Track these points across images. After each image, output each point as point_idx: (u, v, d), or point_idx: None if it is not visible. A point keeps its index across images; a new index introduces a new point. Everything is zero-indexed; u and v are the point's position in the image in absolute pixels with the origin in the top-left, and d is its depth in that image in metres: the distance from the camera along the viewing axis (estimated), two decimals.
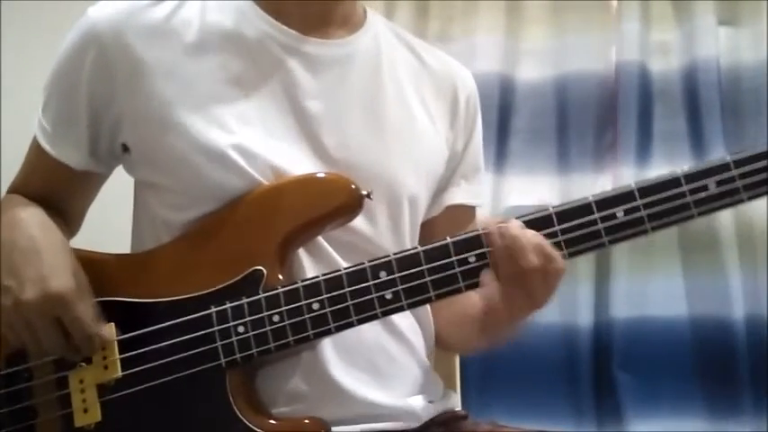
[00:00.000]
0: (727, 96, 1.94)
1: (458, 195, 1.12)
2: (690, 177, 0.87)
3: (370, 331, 0.95)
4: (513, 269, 0.88)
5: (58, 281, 0.88)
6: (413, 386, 1.01)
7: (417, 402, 1.00)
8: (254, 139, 0.95)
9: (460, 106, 1.11)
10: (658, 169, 1.94)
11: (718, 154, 1.84)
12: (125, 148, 1.00)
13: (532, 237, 0.88)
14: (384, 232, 1.00)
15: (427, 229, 1.08)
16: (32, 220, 0.96)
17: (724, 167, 0.87)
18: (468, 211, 1.14)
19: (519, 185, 1.97)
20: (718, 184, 0.87)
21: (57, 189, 1.02)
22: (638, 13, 1.97)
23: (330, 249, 0.96)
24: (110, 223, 1.05)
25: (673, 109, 1.97)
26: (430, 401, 1.02)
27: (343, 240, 0.97)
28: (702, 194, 0.87)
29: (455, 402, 1.09)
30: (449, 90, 1.11)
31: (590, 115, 2.00)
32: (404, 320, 1.00)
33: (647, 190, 0.88)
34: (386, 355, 0.98)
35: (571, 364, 1.93)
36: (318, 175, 0.96)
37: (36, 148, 1.02)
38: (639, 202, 0.88)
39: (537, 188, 1.98)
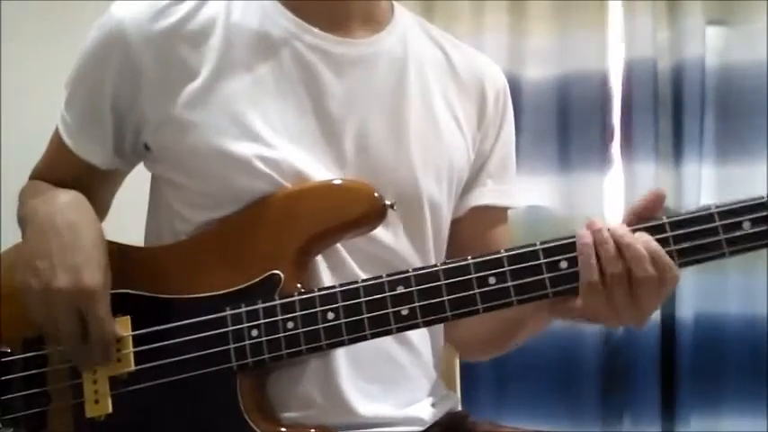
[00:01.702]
0: (719, 96, 1.92)
1: (483, 196, 1.09)
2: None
3: (380, 340, 0.93)
4: (622, 278, 0.83)
5: (90, 274, 0.88)
6: (419, 394, 1.01)
7: (423, 408, 1.00)
8: (278, 143, 0.94)
9: (489, 104, 1.09)
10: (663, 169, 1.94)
11: (695, 154, 1.88)
12: (146, 147, 0.99)
13: (648, 243, 0.84)
14: (403, 239, 0.99)
15: (454, 230, 1.07)
16: (74, 205, 0.95)
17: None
18: (496, 213, 1.11)
19: (524, 185, 1.95)
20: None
21: (79, 183, 1.01)
22: (648, 10, 1.95)
23: (347, 256, 0.95)
24: (119, 213, 1.05)
25: (665, 108, 1.97)
26: (433, 405, 1.01)
27: (361, 247, 0.96)
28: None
29: (456, 402, 1.09)
30: (476, 88, 1.08)
31: (593, 114, 1.99)
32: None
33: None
34: (394, 365, 0.97)
35: (575, 364, 1.92)
36: (342, 181, 0.95)
37: (59, 143, 1.02)
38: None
39: (539, 188, 1.97)
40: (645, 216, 0.87)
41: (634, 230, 0.85)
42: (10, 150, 1.06)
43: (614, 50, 2.02)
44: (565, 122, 1.99)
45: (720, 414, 1.85)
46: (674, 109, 1.95)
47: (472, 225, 1.09)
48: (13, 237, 1.01)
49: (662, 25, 1.97)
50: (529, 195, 1.97)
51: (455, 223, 1.08)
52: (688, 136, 1.90)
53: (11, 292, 0.95)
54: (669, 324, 1.88)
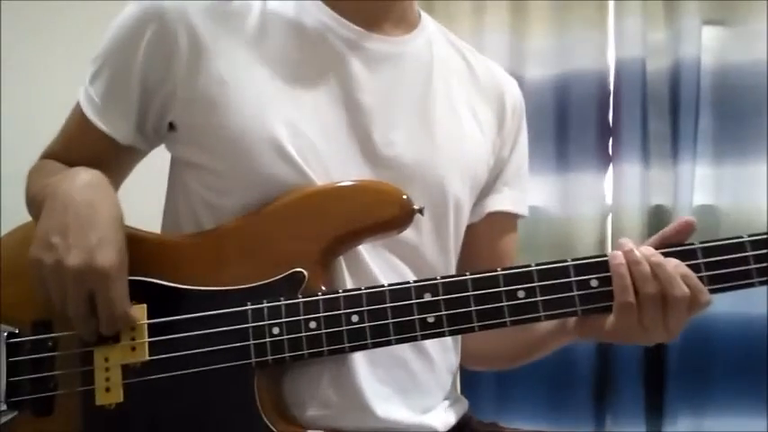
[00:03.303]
0: (716, 96, 1.93)
1: (499, 203, 1.11)
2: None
3: (397, 346, 0.93)
4: (656, 298, 0.85)
5: (104, 255, 0.86)
6: (431, 401, 1.00)
7: (436, 417, 0.99)
8: (308, 132, 0.93)
9: (507, 112, 1.10)
10: (654, 169, 1.95)
11: (688, 154, 1.88)
12: (171, 127, 0.97)
13: (678, 265, 0.86)
14: (427, 237, 0.99)
15: (468, 235, 1.07)
16: (95, 183, 0.92)
17: None
18: (509, 219, 1.13)
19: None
20: None
21: (96, 161, 0.99)
22: (639, 9, 1.95)
23: (364, 252, 0.94)
24: (135, 199, 1.02)
25: (661, 108, 1.97)
26: (446, 412, 1.02)
27: (385, 244, 0.95)
28: None
29: (465, 406, 1.09)
30: (496, 97, 1.10)
31: (592, 114, 1.99)
32: None
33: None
34: (407, 371, 0.97)
35: (571, 365, 1.94)
36: (371, 183, 0.94)
37: (80, 118, 1.00)
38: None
39: (538, 187, 1.97)
40: (672, 243, 0.88)
41: (664, 255, 0.86)
42: (10, 149, 1.04)
43: (609, 50, 2.01)
44: (565, 122, 1.99)
45: (708, 414, 1.86)
46: (670, 109, 1.95)
47: (486, 230, 1.10)
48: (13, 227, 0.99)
49: (659, 25, 1.97)
50: (531, 195, 1.97)
51: (470, 227, 1.08)
52: (683, 136, 1.90)
53: (17, 271, 0.93)
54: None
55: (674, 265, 0.85)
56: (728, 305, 1.84)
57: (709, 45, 1.94)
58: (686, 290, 0.84)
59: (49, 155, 1.04)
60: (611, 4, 2.01)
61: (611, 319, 0.86)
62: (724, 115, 1.92)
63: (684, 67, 1.91)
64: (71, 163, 1.00)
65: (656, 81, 1.96)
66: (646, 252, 0.86)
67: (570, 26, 1.99)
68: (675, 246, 0.87)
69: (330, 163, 0.93)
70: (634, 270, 0.85)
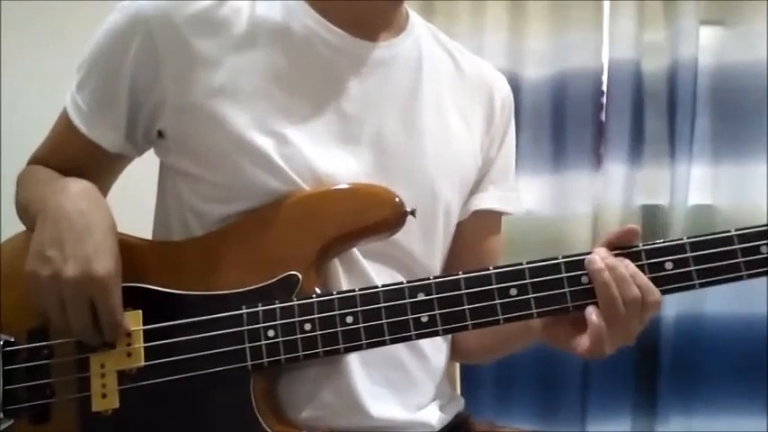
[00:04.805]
0: (715, 96, 1.94)
1: (484, 201, 1.11)
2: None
3: (391, 346, 0.93)
4: (615, 302, 0.85)
5: (101, 263, 0.86)
6: (426, 398, 1.01)
7: (431, 413, 1.00)
8: (296, 141, 0.94)
9: (496, 111, 1.11)
10: (649, 169, 1.97)
11: (684, 154, 1.89)
12: (160, 134, 0.98)
13: (629, 265, 0.86)
14: (416, 239, 1.00)
15: (454, 233, 1.08)
16: (86, 194, 0.93)
17: None
18: (494, 218, 1.14)
19: (522, 185, 1.95)
20: None
21: (84, 167, 1.00)
22: (633, 11, 1.97)
23: (360, 256, 0.95)
24: (126, 205, 1.03)
25: (659, 108, 1.98)
26: (441, 409, 1.02)
27: (375, 247, 0.96)
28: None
29: (461, 405, 1.10)
30: (485, 95, 1.10)
31: (589, 114, 2.00)
32: None
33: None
34: (402, 369, 0.98)
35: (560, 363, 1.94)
36: (364, 186, 0.95)
37: (67, 125, 1.00)
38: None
39: (535, 187, 1.98)
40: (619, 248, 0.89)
41: (656, 252, 0.88)
42: (10, 149, 1.04)
43: (605, 51, 2.02)
44: (561, 122, 1.99)
45: (701, 413, 1.87)
46: (668, 109, 1.96)
47: (471, 228, 1.11)
48: (13, 230, 1.00)
49: (657, 25, 1.98)
50: (525, 196, 1.96)
51: (456, 225, 1.09)
52: (679, 136, 1.91)
53: (13, 280, 0.94)
54: (653, 323, 1.88)
55: (626, 266, 0.86)
56: (727, 305, 1.85)
57: (707, 45, 1.95)
58: (636, 292, 0.85)
59: (37, 160, 1.05)
60: (606, 5, 2.02)
61: (591, 325, 0.86)
62: (723, 115, 1.93)
63: (682, 68, 1.92)
64: (59, 169, 1.00)
65: (653, 81, 1.97)
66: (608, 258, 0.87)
67: (568, 26, 2.00)
68: (665, 241, 0.88)
69: (320, 171, 0.94)
70: (616, 277, 0.85)
